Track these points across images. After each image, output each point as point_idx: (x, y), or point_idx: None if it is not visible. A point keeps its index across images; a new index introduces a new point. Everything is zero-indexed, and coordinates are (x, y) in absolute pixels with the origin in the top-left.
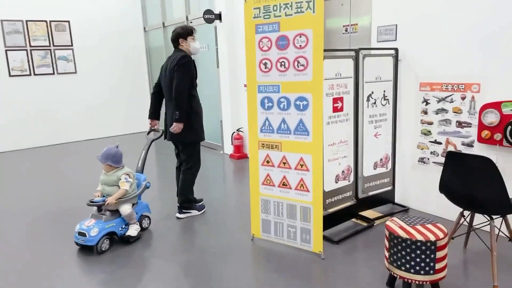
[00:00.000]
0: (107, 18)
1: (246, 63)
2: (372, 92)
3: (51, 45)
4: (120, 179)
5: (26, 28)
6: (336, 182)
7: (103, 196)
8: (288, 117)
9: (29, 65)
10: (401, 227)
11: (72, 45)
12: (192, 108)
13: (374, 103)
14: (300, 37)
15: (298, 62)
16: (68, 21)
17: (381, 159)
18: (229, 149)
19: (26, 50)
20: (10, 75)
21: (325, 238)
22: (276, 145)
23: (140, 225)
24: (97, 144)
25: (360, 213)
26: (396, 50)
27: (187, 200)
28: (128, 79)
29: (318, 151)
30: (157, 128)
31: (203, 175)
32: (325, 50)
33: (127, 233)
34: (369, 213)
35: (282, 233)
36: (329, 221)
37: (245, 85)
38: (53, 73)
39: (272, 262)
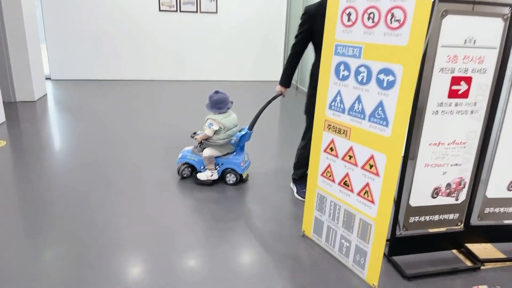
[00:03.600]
0: None
1: (327, 11)
2: None
3: None
4: (206, 121)
5: None
6: (434, 197)
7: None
8: (365, 95)
9: (176, 1)
10: None
11: None
12: None
13: None
14: None
15: (392, 15)
16: None
17: None
18: None
19: None
20: (159, 10)
21: (395, 266)
22: (344, 130)
23: (224, 178)
24: (224, 86)
25: (467, 244)
26: None
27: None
28: (264, 26)
29: (396, 151)
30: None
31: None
32: (449, 0)
33: (198, 173)
34: (481, 248)
35: (334, 242)
36: (410, 244)
37: None
38: (196, 11)
39: (310, 275)
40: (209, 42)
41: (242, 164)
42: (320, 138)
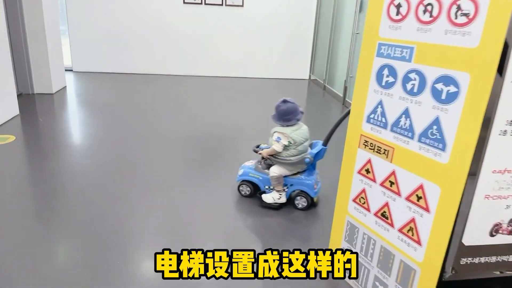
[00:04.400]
0: None
1: (369, 3)
2: None
3: None
4: (272, 135)
5: None
6: (493, 235)
7: (267, 146)
8: (415, 109)
9: None
10: None
11: None
12: None
13: None
14: None
15: (458, 7)
16: None
17: None
18: None
19: None
20: (184, 2)
21: None
22: (385, 150)
23: (293, 201)
24: (249, 83)
25: None
26: None
27: None
28: (293, 20)
29: (455, 184)
30: None
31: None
32: None
33: (262, 195)
34: None
35: (365, 282)
36: None
37: None
38: (222, 4)
39: None
40: (235, 37)
41: (315, 187)
42: (354, 156)
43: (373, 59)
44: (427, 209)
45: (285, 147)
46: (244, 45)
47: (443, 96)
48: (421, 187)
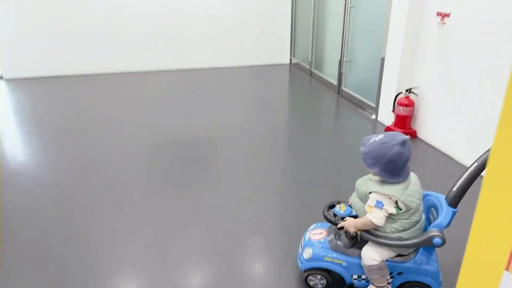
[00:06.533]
0: None
1: None
2: None
3: None
4: (368, 196)
5: None
6: None
7: (349, 209)
8: None
9: None
10: None
11: None
12: None
13: None
14: None
15: None
16: None
17: None
18: (386, 116)
19: None
20: None
21: None
22: None
23: None
24: (221, 73)
25: None
26: None
27: None
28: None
29: None
30: None
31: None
32: None
33: None
34: None
35: None
36: None
37: (440, 15)
38: None
39: None
40: (199, 20)
41: (440, 275)
42: (500, 242)
43: None
44: None
45: (391, 217)
46: (212, 29)
47: None
48: None
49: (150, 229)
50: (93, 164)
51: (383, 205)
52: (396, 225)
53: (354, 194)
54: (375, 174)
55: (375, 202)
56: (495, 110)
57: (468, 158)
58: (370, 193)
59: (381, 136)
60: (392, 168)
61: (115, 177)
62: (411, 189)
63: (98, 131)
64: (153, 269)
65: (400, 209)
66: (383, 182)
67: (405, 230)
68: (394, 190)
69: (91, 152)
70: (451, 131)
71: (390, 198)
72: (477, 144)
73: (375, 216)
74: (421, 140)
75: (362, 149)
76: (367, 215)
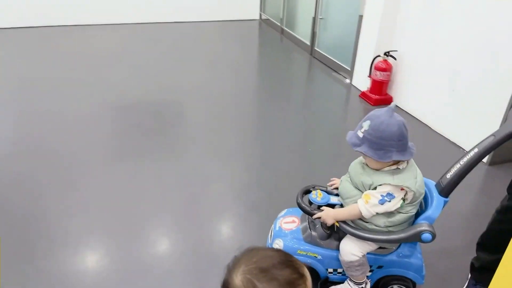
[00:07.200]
0: None
1: None
2: None
3: None
4: (366, 187)
5: None
6: None
7: (327, 196)
8: None
9: None
10: None
11: None
12: None
13: None
14: None
15: None
16: None
17: None
18: (361, 80)
19: None
20: None
21: None
22: None
23: None
24: (183, 29)
25: None
26: None
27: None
28: None
29: None
30: None
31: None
32: None
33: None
34: None
35: None
36: None
37: None
38: None
39: None
40: None
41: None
42: None
43: None
44: None
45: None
46: None
47: None
48: None
49: (103, 212)
50: (38, 132)
51: (393, 197)
52: (394, 218)
53: (345, 177)
54: (390, 165)
55: (385, 195)
56: (480, 80)
57: (447, 129)
58: (380, 185)
59: (366, 123)
60: (404, 144)
61: (63, 146)
62: (420, 178)
63: (42, 93)
64: (104, 246)
65: (403, 202)
66: (394, 171)
67: (400, 224)
68: (406, 179)
69: (35, 117)
70: (430, 99)
71: (402, 189)
72: (458, 114)
73: (367, 208)
74: (397, 107)
75: (363, 149)
76: (358, 202)
